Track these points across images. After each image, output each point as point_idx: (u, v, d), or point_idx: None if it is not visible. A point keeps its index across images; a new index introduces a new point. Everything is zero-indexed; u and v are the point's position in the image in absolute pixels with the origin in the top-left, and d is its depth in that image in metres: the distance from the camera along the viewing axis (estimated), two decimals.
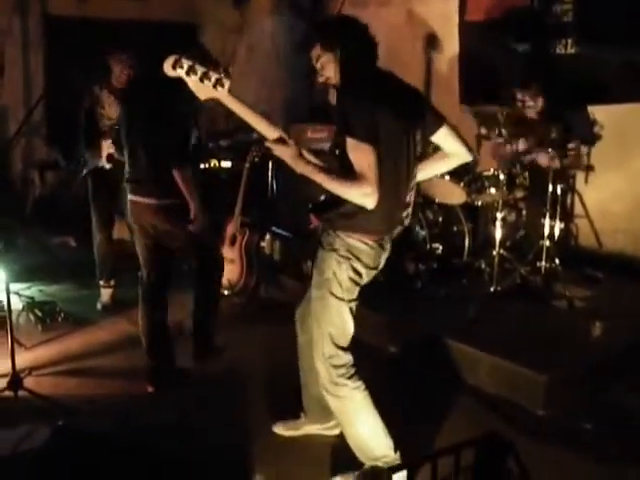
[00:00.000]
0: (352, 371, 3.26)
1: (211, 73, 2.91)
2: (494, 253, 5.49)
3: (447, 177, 5.59)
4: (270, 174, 7.29)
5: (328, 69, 3.15)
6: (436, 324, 4.99)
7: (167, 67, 2.96)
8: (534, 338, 4.66)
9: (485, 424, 3.89)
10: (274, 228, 6.88)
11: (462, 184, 5.59)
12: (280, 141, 3.02)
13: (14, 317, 4.75)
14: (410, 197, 3.23)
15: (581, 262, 6.09)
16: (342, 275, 3.14)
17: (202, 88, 2.95)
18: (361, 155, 2.89)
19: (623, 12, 5.85)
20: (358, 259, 3.12)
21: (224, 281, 5.94)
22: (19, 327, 5.24)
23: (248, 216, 6.18)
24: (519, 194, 5.71)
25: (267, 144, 3.05)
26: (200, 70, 2.91)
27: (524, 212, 5.98)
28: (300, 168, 3.04)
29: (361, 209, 2.98)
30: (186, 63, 2.91)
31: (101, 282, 5.98)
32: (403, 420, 3.84)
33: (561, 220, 5.86)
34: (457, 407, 4.17)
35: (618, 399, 4.11)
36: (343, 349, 3.26)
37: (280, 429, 3.83)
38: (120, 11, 8.61)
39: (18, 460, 3.32)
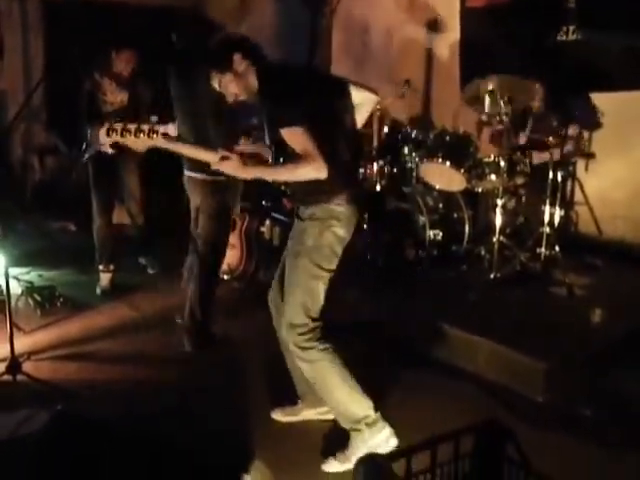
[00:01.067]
0: (319, 334, 3.37)
1: (142, 126, 3.11)
2: (494, 240, 5.49)
3: (447, 164, 5.59)
4: (270, 158, 7.27)
5: (232, 87, 3.39)
6: (435, 310, 4.98)
7: (102, 138, 3.12)
8: (533, 325, 4.66)
9: (484, 411, 3.89)
10: (273, 213, 6.87)
11: (462, 170, 5.58)
12: (223, 159, 3.25)
13: (13, 302, 4.74)
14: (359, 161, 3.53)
15: (581, 249, 6.09)
16: (324, 242, 3.30)
17: (139, 142, 3.16)
18: (296, 138, 3.11)
19: None
20: (339, 222, 3.29)
21: (224, 266, 5.94)
22: (18, 311, 5.23)
23: (248, 201, 6.17)
24: (519, 181, 5.71)
25: (213, 167, 3.30)
26: (132, 127, 3.11)
27: (524, 199, 5.98)
28: (249, 175, 3.34)
29: (322, 181, 3.14)
30: (117, 126, 3.10)
31: (100, 267, 5.97)
32: (401, 405, 3.86)
33: (561, 207, 5.85)
34: (456, 393, 4.17)
35: (617, 385, 4.11)
36: (313, 319, 3.36)
37: (278, 415, 3.85)
38: None
39: (17, 444, 3.33)
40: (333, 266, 3.38)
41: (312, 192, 3.27)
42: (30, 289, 5.67)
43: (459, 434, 2.23)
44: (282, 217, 6.88)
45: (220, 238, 4.82)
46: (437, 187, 5.96)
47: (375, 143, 6.42)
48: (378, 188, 6.22)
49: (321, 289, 3.37)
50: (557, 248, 5.55)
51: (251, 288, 6.02)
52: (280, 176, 3.36)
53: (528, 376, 4.13)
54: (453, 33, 7.43)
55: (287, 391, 3.89)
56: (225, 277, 6.00)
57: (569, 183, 6.45)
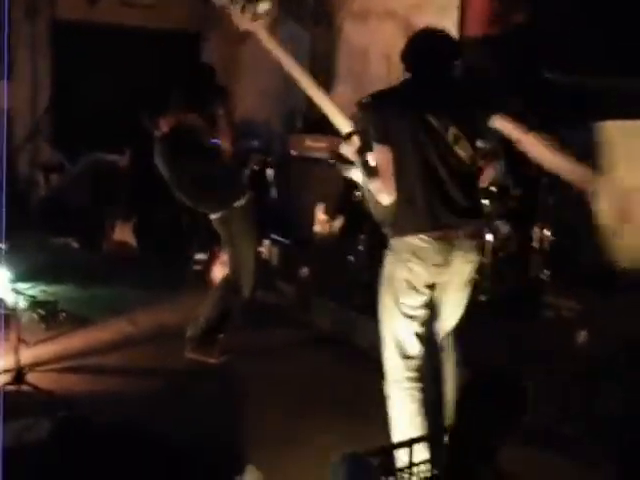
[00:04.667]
0: (405, 374, 3.14)
1: (251, 6, 3.28)
2: (485, 263, 5.58)
3: None
4: (269, 180, 7.39)
5: None
6: None
7: None
8: (519, 347, 4.75)
9: None
10: (272, 234, 6.95)
11: None
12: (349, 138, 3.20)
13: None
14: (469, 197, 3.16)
15: (569, 272, 6.17)
16: (397, 276, 3.08)
17: (242, 19, 3.30)
18: (377, 155, 3.07)
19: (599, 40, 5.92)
20: (418, 257, 3.02)
21: None
22: (22, 325, 5.32)
23: None
24: (510, 205, 5.82)
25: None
26: (241, 1, 3.26)
27: (515, 223, 6.08)
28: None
29: (395, 212, 3.07)
30: None
31: None
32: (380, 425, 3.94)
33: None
34: None
35: (600, 404, 4.19)
36: (401, 355, 3.15)
37: None
38: (127, 17, 8.76)
39: (22, 450, 3.44)
40: (414, 302, 3.10)
41: (390, 223, 3.12)
42: (34, 304, 5.79)
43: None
44: (280, 238, 6.98)
45: (238, 261, 4.97)
46: None
47: None
48: None
49: (402, 325, 3.11)
50: (545, 271, 5.64)
51: (249, 309, 6.11)
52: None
53: None
54: None
55: (285, 407, 4.05)
56: None
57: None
